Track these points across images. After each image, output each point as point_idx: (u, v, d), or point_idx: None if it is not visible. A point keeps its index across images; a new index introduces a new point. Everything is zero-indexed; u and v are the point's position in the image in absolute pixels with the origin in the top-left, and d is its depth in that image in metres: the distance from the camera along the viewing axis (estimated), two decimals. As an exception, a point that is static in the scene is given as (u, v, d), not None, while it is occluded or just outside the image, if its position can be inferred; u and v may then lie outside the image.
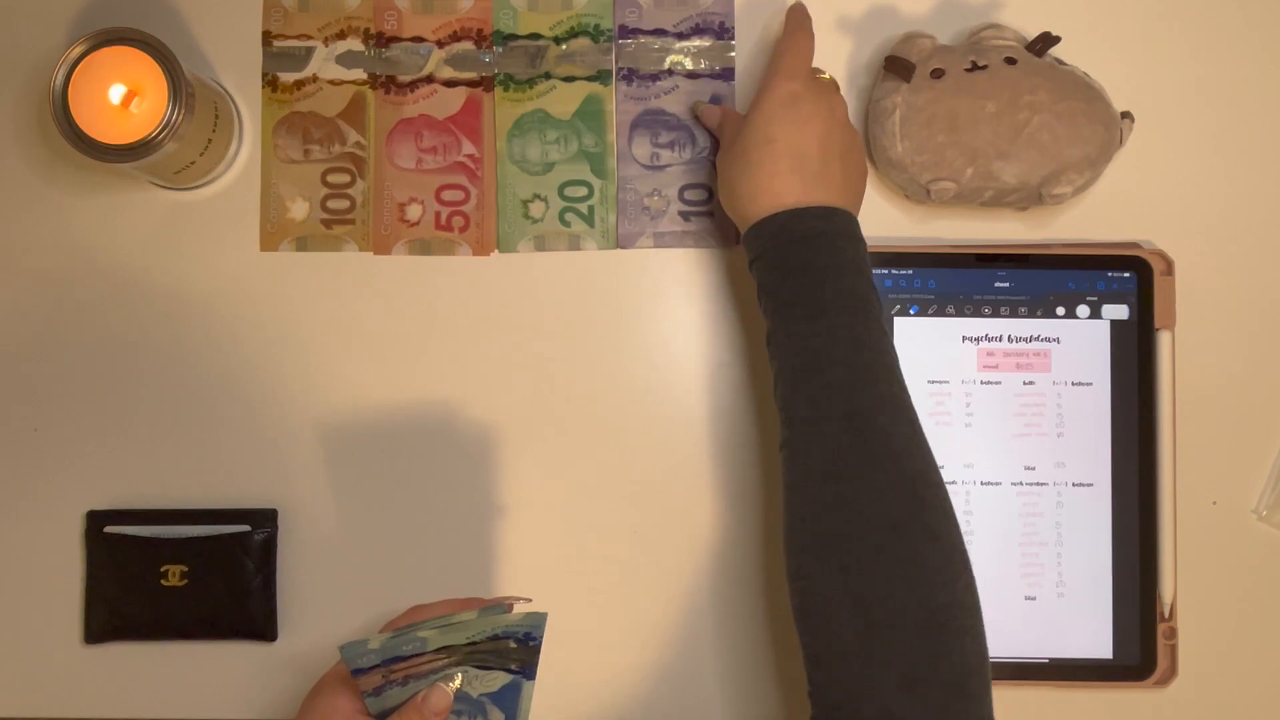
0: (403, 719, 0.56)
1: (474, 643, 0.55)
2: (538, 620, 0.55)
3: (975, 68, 0.66)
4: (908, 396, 0.57)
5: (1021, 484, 0.68)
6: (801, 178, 0.59)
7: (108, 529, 0.67)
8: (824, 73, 0.65)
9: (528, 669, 0.57)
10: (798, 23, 0.63)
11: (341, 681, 0.57)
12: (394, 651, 0.53)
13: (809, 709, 0.54)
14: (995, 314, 0.69)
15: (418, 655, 0.54)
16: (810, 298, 0.57)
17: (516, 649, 0.56)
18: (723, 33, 0.70)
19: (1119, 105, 0.67)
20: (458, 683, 0.58)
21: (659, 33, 0.70)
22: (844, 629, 0.52)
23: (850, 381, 0.55)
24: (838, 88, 0.64)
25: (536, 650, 0.56)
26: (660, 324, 0.70)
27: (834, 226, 0.58)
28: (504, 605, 0.58)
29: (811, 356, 0.56)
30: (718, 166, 0.64)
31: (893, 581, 0.52)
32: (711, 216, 0.70)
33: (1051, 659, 0.67)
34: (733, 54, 0.70)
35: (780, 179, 0.59)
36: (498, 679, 0.57)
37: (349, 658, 0.52)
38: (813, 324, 0.57)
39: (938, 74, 0.66)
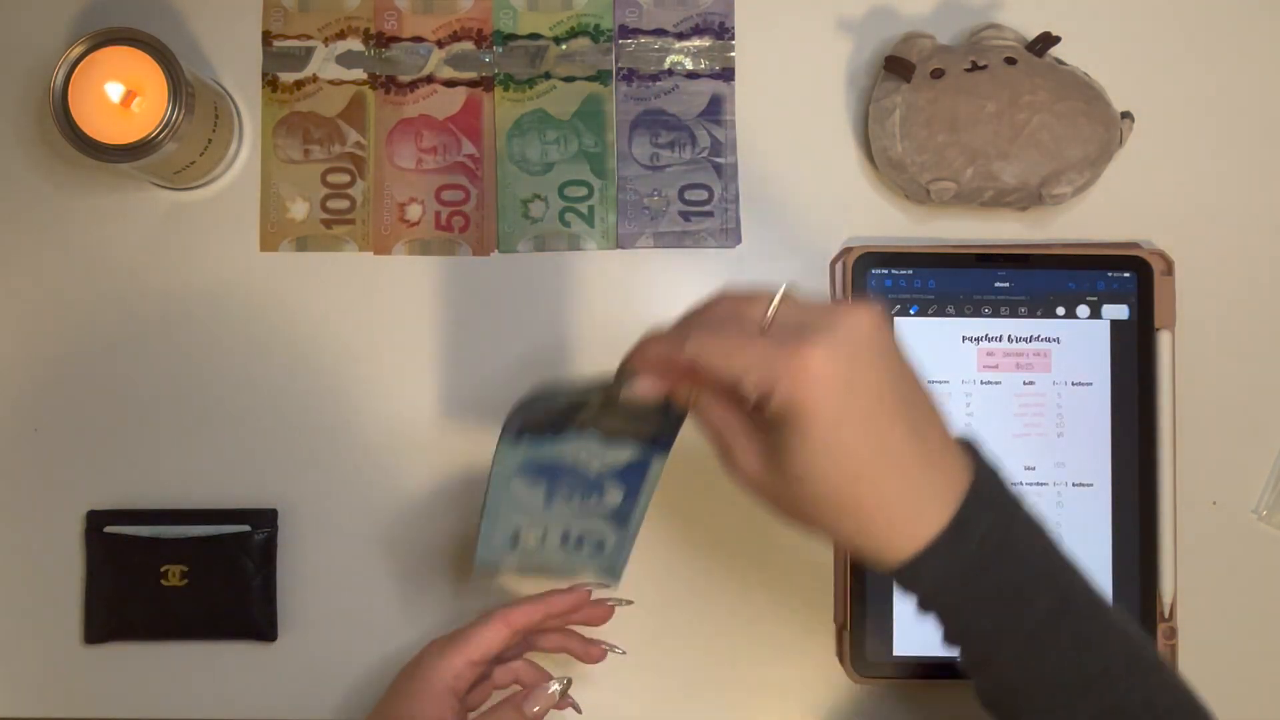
0: (499, 713, 0.57)
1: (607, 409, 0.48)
2: None
3: (975, 68, 0.66)
4: (1144, 642, 0.47)
5: (1021, 484, 0.68)
6: (917, 481, 0.45)
7: (108, 529, 0.67)
8: (771, 304, 0.46)
9: (663, 440, 0.50)
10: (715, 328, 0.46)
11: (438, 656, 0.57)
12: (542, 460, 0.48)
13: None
14: (995, 314, 0.69)
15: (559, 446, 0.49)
16: (1017, 620, 0.46)
17: (656, 415, 0.49)
18: (722, 32, 0.70)
19: (1119, 105, 0.67)
20: (558, 687, 0.57)
21: (659, 33, 0.70)
22: None
23: (1087, 687, 0.45)
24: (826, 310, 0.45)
25: (680, 421, 0.48)
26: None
27: (993, 512, 0.46)
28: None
29: (1031, 673, 0.46)
30: (750, 489, 0.49)
31: None
32: (711, 216, 0.70)
33: (1051, 659, 0.67)
34: (732, 54, 0.70)
35: (898, 504, 0.45)
36: (624, 452, 0.51)
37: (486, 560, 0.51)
38: (1028, 645, 0.46)
39: (938, 74, 0.66)
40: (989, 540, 0.45)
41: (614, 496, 0.53)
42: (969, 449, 0.48)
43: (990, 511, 0.46)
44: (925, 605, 0.47)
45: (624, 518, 0.56)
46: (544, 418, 0.50)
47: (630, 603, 0.61)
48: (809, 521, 0.47)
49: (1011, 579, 0.46)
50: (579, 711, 0.62)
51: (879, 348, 0.44)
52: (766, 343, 0.44)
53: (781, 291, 0.45)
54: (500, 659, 0.61)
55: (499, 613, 0.58)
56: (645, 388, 0.49)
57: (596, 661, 0.61)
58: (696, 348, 0.45)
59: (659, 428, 0.49)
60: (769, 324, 0.45)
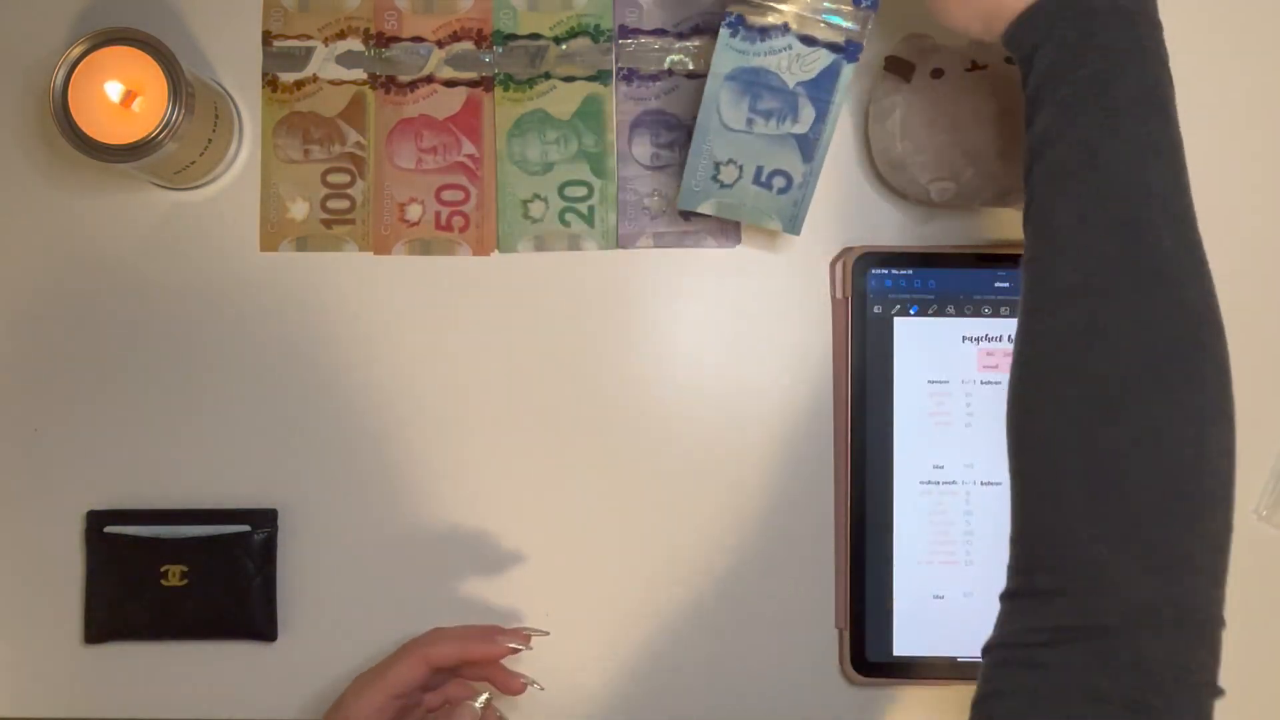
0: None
1: None
2: None
3: (975, 67, 0.66)
4: (1194, 216, 0.47)
5: (1021, 484, 0.68)
6: None
7: (108, 529, 0.67)
8: None
9: (852, 47, 0.55)
10: None
11: (366, 685, 0.59)
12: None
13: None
14: (995, 314, 0.69)
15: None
16: (1105, 89, 0.47)
17: (851, 11, 0.54)
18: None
19: (1119, 105, 0.67)
20: (482, 700, 0.59)
21: (659, 33, 0.70)
22: (1065, 469, 0.44)
23: (1133, 189, 0.46)
24: None
25: (871, 12, 0.54)
26: (660, 324, 0.70)
27: (1131, 2, 0.48)
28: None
29: (1089, 155, 0.46)
30: None
31: (1137, 432, 0.44)
32: (712, 215, 0.70)
33: (1051, 659, 0.67)
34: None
35: None
36: (818, 59, 0.56)
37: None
38: (1105, 119, 0.46)
39: (938, 74, 0.66)
40: (1110, 13, 0.47)
41: (806, 117, 0.59)
42: None
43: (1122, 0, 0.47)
44: (1025, 60, 0.49)
45: (810, 147, 0.61)
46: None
47: (542, 688, 0.62)
48: None
49: (1120, 51, 0.47)
50: None
51: None
52: None
53: None
54: (428, 686, 0.62)
55: (419, 649, 0.61)
56: None
57: (517, 694, 0.62)
58: None
59: (853, 29, 0.55)
60: None
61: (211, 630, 0.68)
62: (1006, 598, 0.46)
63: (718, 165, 0.62)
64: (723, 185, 0.63)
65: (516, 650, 0.62)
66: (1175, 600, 0.43)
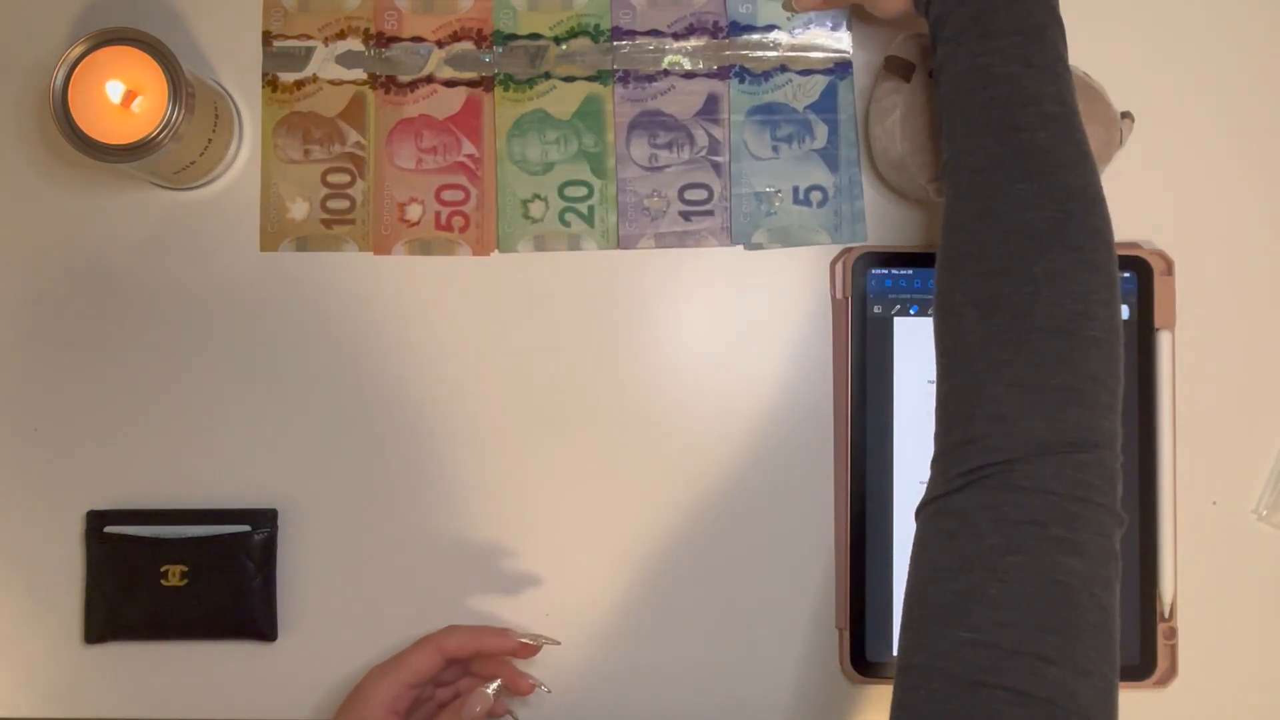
0: None
1: None
2: None
3: (975, 68, 0.66)
4: (1077, 118, 0.55)
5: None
6: None
7: (108, 529, 0.67)
8: None
9: (840, 68, 0.67)
10: None
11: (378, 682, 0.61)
12: None
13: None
14: (995, 314, 0.68)
15: None
16: (982, 21, 0.55)
17: (827, 38, 0.66)
18: (717, 31, 0.70)
19: (1119, 105, 0.67)
20: (494, 687, 0.61)
21: (654, 34, 0.70)
22: (969, 334, 0.52)
23: (1011, 97, 0.54)
24: None
25: (846, 33, 0.67)
26: (660, 324, 0.70)
27: None
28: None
29: (975, 76, 0.55)
30: None
31: (1020, 287, 0.51)
32: (712, 215, 0.70)
33: (1051, 659, 0.67)
34: (728, 52, 0.70)
35: None
36: (816, 84, 0.67)
37: None
38: (983, 44, 0.55)
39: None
40: None
41: (821, 134, 0.69)
42: None
43: None
44: (924, 5, 0.59)
45: (833, 159, 0.69)
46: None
47: (549, 691, 0.65)
48: None
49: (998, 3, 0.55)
50: (515, 718, 0.65)
51: None
52: None
53: None
54: (441, 681, 0.65)
55: (434, 640, 0.62)
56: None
57: (525, 694, 0.64)
58: None
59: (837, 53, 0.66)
60: None
61: (211, 630, 0.68)
62: (933, 462, 0.53)
63: (759, 195, 0.69)
64: (768, 213, 0.69)
65: (529, 647, 0.63)
66: (1066, 430, 0.49)
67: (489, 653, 0.64)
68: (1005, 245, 0.52)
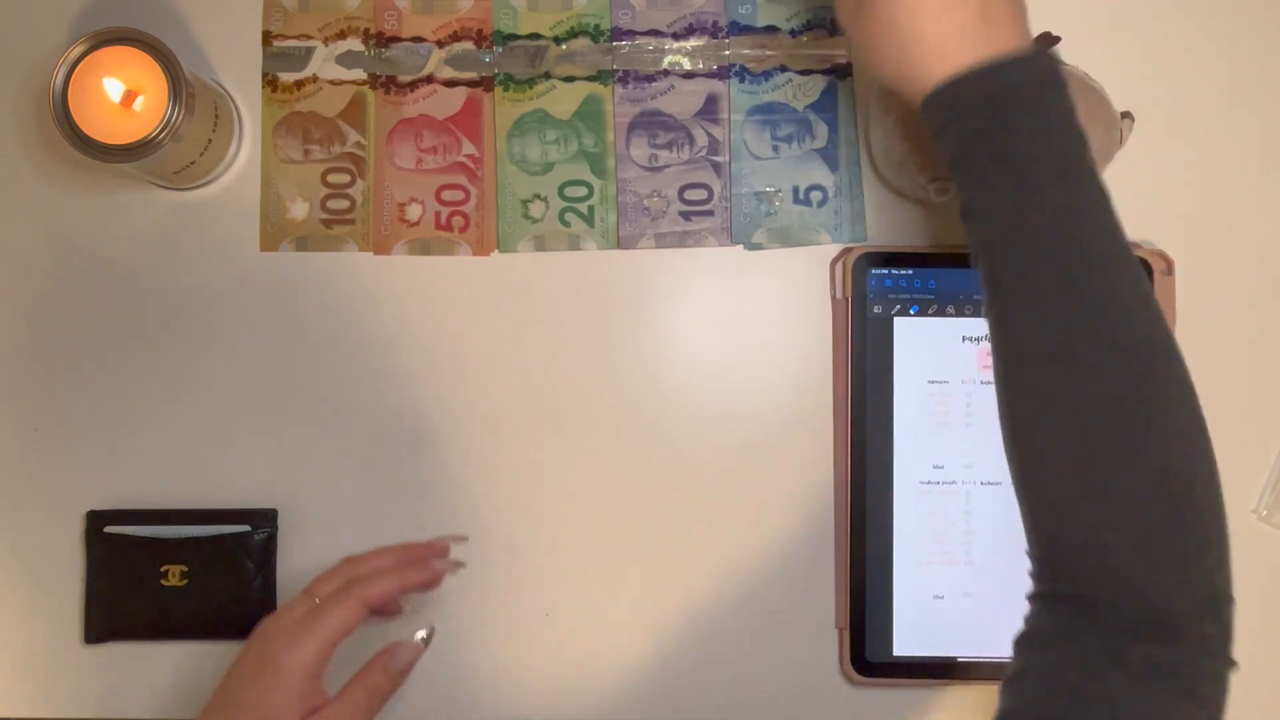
0: (365, 679, 0.56)
1: None
2: None
3: (975, 68, 0.65)
4: (1127, 255, 0.51)
5: (1021, 484, 0.68)
6: (972, 26, 0.52)
7: (108, 529, 0.67)
8: None
9: (841, 66, 0.66)
10: None
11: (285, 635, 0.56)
12: None
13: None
14: (995, 314, 0.68)
15: None
16: (1012, 167, 0.51)
17: (827, 40, 0.66)
18: (717, 31, 0.70)
19: (1119, 105, 0.67)
20: (424, 634, 0.59)
21: (654, 34, 0.70)
22: (1070, 489, 0.50)
23: (1051, 245, 0.50)
24: None
25: (845, 42, 0.66)
26: (660, 324, 0.70)
27: (1030, 74, 0.51)
28: None
29: (1015, 229, 0.51)
30: (845, 27, 0.57)
31: (1123, 451, 0.49)
32: (712, 215, 0.70)
33: (1051, 659, 0.67)
34: (728, 52, 0.70)
35: (946, 39, 0.52)
36: (816, 84, 0.67)
37: None
38: (1016, 195, 0.51)
39: (938, 74, 0.66)
40: (1009, 94, 0.51)
41: (821, 133, 0.69)
42: (1043, 42, 0.55)
43: (1022, 74, 0.51)
44: (940, 132, 0.53)
45: (834, 159, 0.69)
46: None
47: (463, 565, 0.63)
48: (869, 42, 0.55)
49: (1027, 130, 0.51)
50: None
51: None
52: None
53: None
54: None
55: (354, 592, 0.57)
56: None
57: (439, 581, 0.61)
58: None
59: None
60: None
61: (211, 630, 0.68)
62: (1033, 599, 0.51)
63: (759, 195, 0.69)
64: (768, 213, 0.69)
65: (449, 570, 0.62)
66: (1176, 591, 0.49)
67: (412, 585, 0.60)
68: (1089, 411, 0.49)
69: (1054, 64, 0.53)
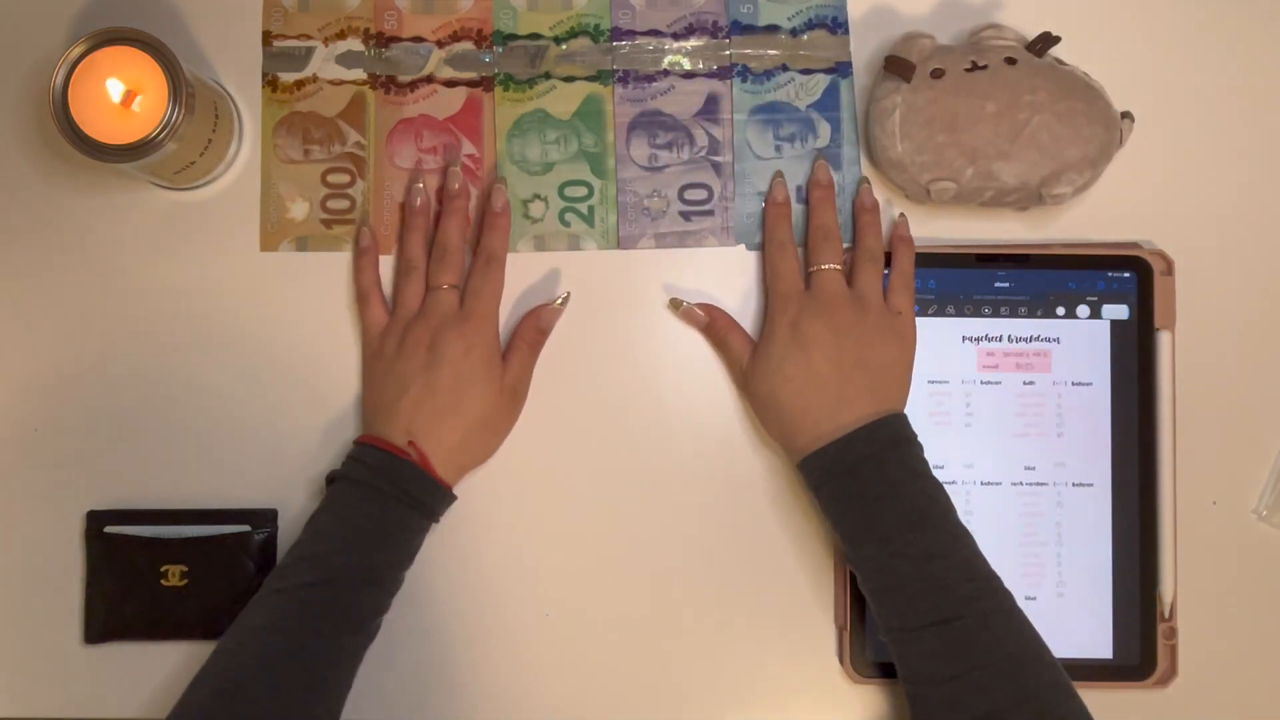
0: (523, 336, 0.67)
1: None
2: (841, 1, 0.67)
3: (975, 68, 0.66)
4: (993, 584, 0.59)
5: (1021, 484, 0.68)
6: (829, 406, 0.62)
7: (108, 529, 0.67)
8: (826, 266, 0.65)
9: (842, 66, 0.67)
10: (778, 244, 0.67)
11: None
12: None
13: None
14: (995, 314, 0.69)
15: None
16: (871, 525, 0.59)
17: (828, 40, 0.67)
18: (716, 31, 0.70)
19: (1119, 105, 0.67)
20: (563, 298, 0.68)
21: (654, 34, 0.70)
22: None
23: (927, 592, 0.58)
24: (837, 274, 0.65)
25: (845, 36, 0.68)
26: (660, 324, 0.70)
27: (874, 447, 0.60)
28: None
29: (885, 578, 0.59)
30: (746, 388, 0.67)
31: None
32: (712, 215, 0.70)
33: (1051, 659, 0.67)
34: (728, 52, 0.70)
35: (809, 415, 0.62)
36: (818, 83, 0.68)
37: None
38: (881, 548, 0.59)
39: (938, 74, 0.66)
40: (861, 464, 0.60)
41: (824, 132, 0.69)
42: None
43: (868, 448, 0.60)
44: (814, 492, 0.63)
45: (835, 157, 0.70)
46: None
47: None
48: (756, 409, 0.67)
49: (874, 496, 0.59)
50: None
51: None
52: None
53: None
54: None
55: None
56: None
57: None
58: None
59: (836, 50, 0.68)
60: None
61: (211, 630, 0.67)
62: None
63: (762, 195, 0.69)
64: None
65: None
66: None
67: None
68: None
69: (897, 429, 0.61)
